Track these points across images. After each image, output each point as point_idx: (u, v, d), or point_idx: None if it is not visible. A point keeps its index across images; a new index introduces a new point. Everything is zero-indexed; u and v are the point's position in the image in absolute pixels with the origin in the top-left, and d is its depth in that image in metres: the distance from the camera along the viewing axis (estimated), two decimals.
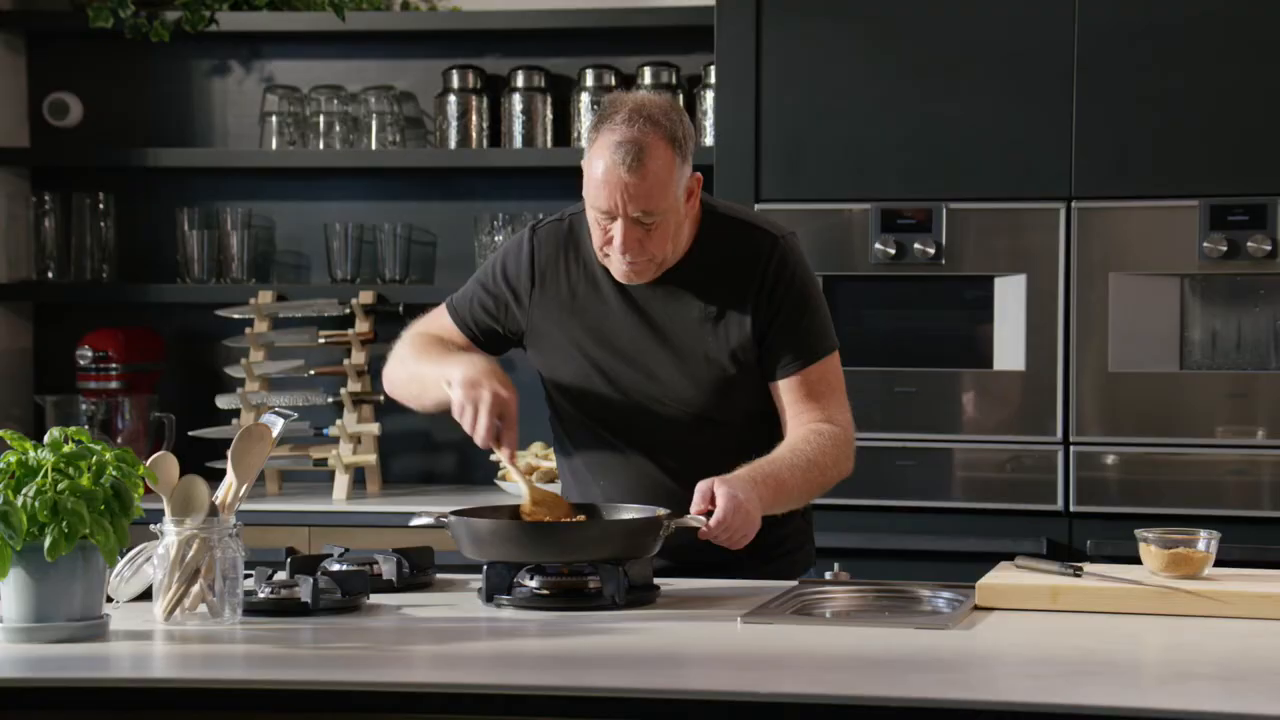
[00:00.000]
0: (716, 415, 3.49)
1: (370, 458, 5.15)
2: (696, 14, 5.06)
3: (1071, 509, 4.55)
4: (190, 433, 5.23)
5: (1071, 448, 4.54)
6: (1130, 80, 4.51)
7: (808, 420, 3.46)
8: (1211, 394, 4.52)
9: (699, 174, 3.46)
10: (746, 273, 3.48)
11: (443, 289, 5.34)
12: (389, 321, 5.35)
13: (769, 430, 3.51)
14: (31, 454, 2.86)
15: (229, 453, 3.09)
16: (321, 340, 5.28)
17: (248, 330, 5.28)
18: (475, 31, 5.36)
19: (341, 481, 5.10)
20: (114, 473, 2.88)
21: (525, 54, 5.36)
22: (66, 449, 2.87)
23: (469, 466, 5.43)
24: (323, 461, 5.13)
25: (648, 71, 5.21)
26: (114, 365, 5.33)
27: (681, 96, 5.19)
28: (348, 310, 5.28)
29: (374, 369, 5.32)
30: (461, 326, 3.63)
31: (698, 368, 3.48)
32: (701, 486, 3.27)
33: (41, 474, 2.82)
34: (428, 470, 5.46)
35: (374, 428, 5.17)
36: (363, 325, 5.25)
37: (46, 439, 2.88)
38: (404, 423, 5.40)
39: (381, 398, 5.24)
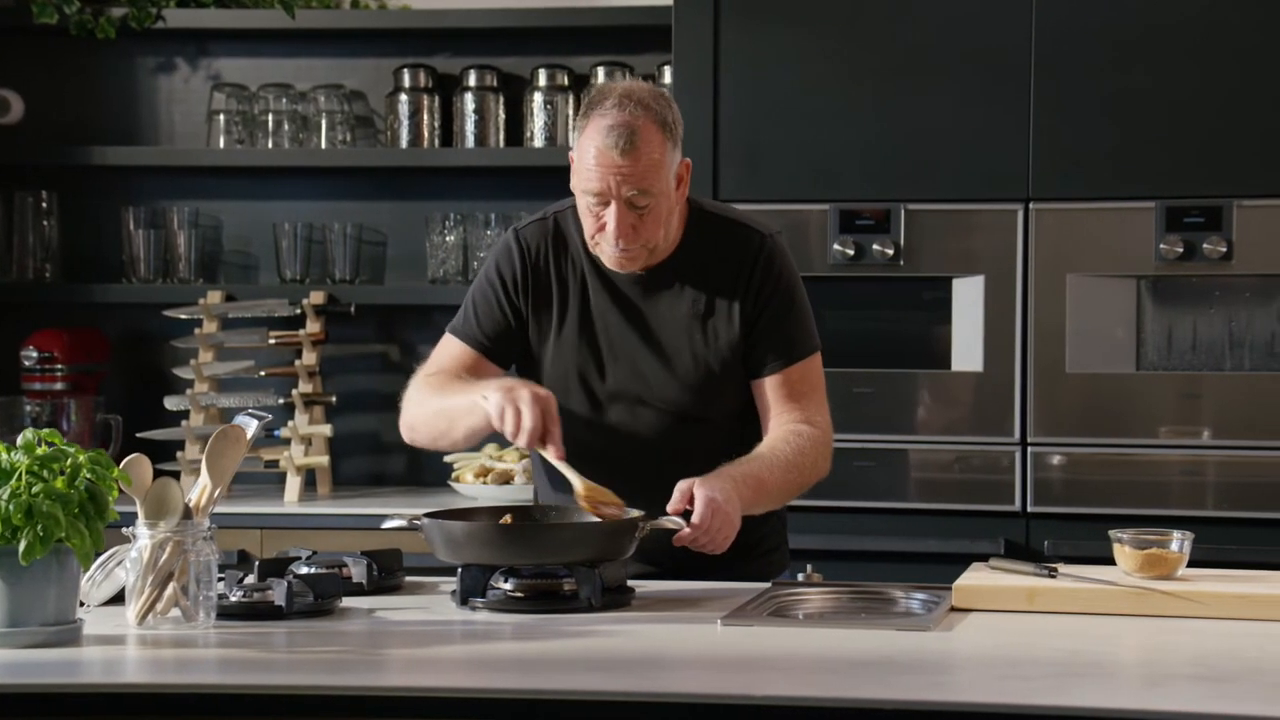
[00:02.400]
0: (700, 413, 3.47)
1: (322, 459, 5.11)
2: (651, 14, 5.05)
3: (1029, 509, 4.56)
4: (138, 434, 5.16)
5: (1029, 448, 4.55)
6: (1087, 82, 4.53)
7: (787, 420, 3.46)
8: (1167, 395, 4.54)
9: (688, 160, 3.46)
10: (734, 270, 3.48)
11: (393, 289, 5.34)
12: (340, 322, 5.31)
13: (751, 429, 3.51)
14: (5, 456, 2.81)
15: (203, 455, 3.05)
16: (272, 341, 5.23)
17: (197, 331, 5.23)
18: (426, 30, 5.33)
19: (293, 483, 5.05)
20: (88, 475, 2.83)
21: (477, 53, 5.33)
22: (40, 451, 2.82)
23: (419, 468, 5.39)
24: (274, 463, 5.08)
25: (601, 71, 5.19)
26: (59, 366, 5.27)
27: None
28: (298, 311, 5.24)
29: (325, 370, 5.29)
30: (470, 342, 3.57)
31: (684, 365, 3.47)
32: (681, 485, 3.25)
33: (15, 476, 2.78)
34: (377, 472, 5.42)
35: (325, 429, 5.13)
36: (314, 326, 5.21)
37: (20, 441, 2.83)
38: (353, 424, 5.36)
39: (333, 398, 5.20)
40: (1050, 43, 4.54)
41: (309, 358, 5.20)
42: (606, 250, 3.42)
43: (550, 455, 3.30)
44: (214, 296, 5.25)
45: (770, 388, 3.49)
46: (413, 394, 3.58)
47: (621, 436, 3.49)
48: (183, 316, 5.26)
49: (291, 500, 5.03)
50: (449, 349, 3.61)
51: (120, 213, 5.41)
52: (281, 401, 5.18)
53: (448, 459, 5.07)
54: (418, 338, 5.39)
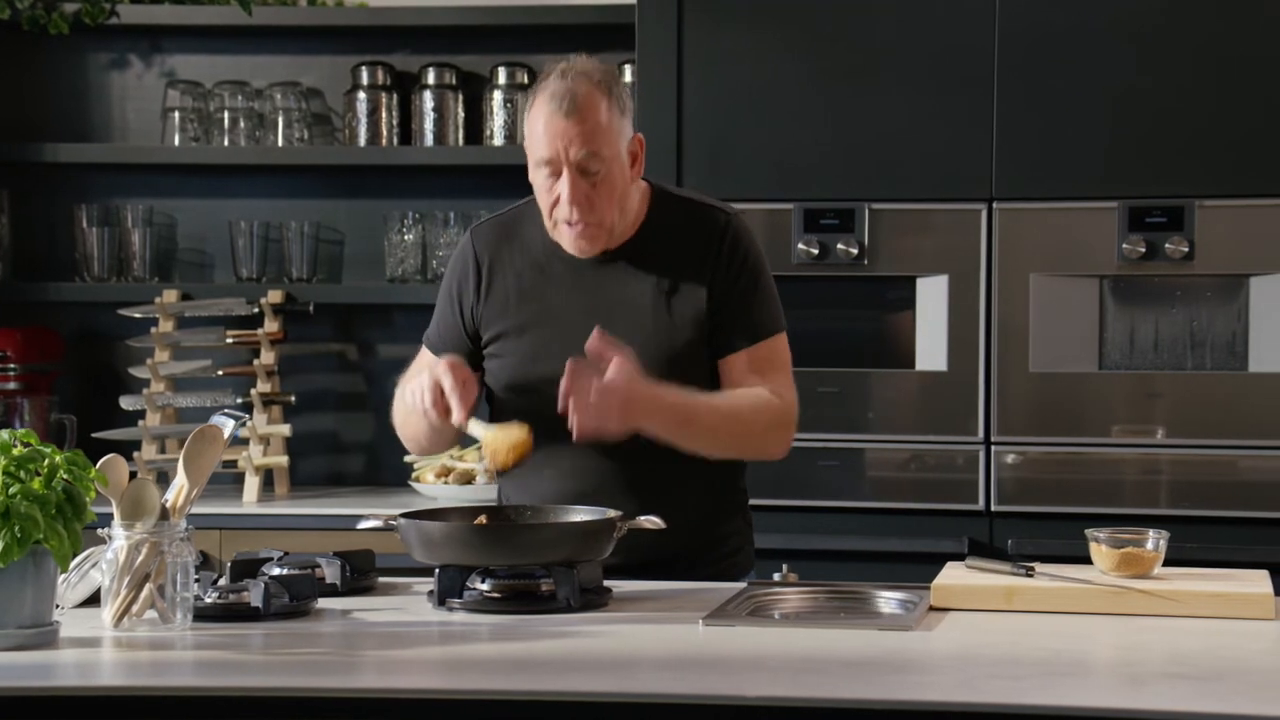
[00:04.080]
0: None
1: (281, 459, 5.07)
2: (612, 12, 5.03)
3: (992, 508, 4.57)
4: (93, 434, 5.11)
5: (992, 447, 4.56)
6: (1050, 83, 4.54)
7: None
8: (1129, 394, 4.56)
9: (640, 136, 3.48)
10: (701, 247, 3.48)
11: (352, 288, 5.30)
12: (298, 321, 5.27)
13: None
14: None
15: (180, 455, 3.01)
16: (230, 340, 5.18)
17: (153, 330, 5.18)
18: (384, 28, 5.29)
19: (252, 484, 5.01)
20: (65, 476, 2.80)
21: (436, 51, 5.30)
22: (17, 452, 2.78)
23: (377, 468, 5.36)
24: (231, 463, 5.04)
25: None
26: (12, 365, 5.21)
27: None
28: (256, 310, 5.19)
29: (282, 369, 5.24)
30: (439, 353, 3.57)
31: (651, 344, 3.44)
32: (604, 347, 3.28)
33: None
34: (335, 472, 5.39)
35: (284, 429, 5.08)
36: (272, 325, 5.16)
37: None
38: (310, 424, 5.33)
39: (292, 398, 5.16)
40: (1014, 43, 4.55)
41: (267, 357, 5.16)
42: (564, 231, 3.42)
43: (455, 420, 3.32)
44: (170, 295, 5.21)
45: (736, 365, 3.48)
46: (395, 409, 3.61)
47: None
48: (137, 315, 5.21)
49: (250, 501, 4.99)
50: (423, 360, 3.63)
51: (73, 210, 5.35)
52: (240, 401, 5.13)
53: (408, 459, 5.04)
54: (376, 337, 5.36)
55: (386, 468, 5.31)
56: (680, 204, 3.56)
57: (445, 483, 4.93)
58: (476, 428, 3.35)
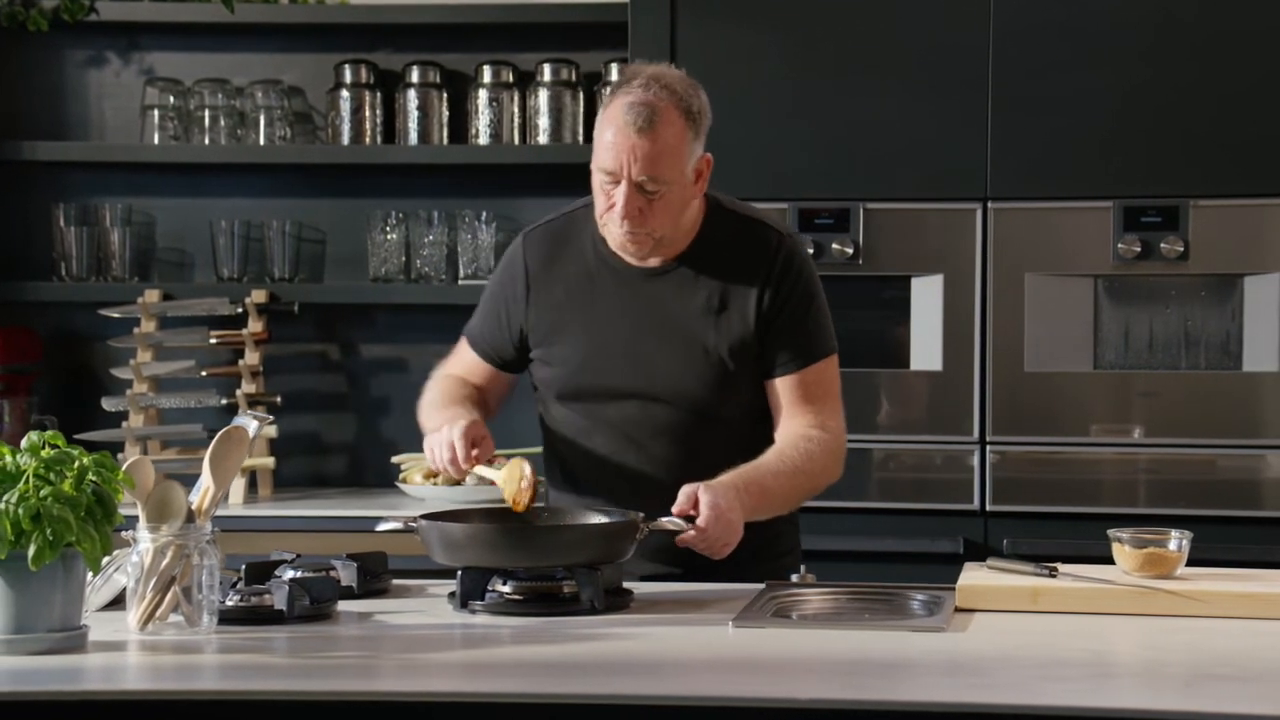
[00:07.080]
0: (714, 411, 3.43)
1: (267, 460, 5.02)
2: (599, 10, 5.01)
3: (987, 508, 4.56)
4: (75, 436, 5.03)
5: (987, 447, 4.56)
6: (1045, 82, 4.54)
7: (800, 424, 3.43)
8: (1124, 394, 4.57)
9: (709, 155, 3.43)
10: (753, 266, 3.45)
11: (335, 288, 5.26)
12: (279, 321, 5.22)
13: (765, 429, 3.47)
14: (9, 459, 2.72)
15: (206, 456, 2.98)
16: (213, 340, 5.13)
17: (135, 330, 5.11)
18: (367, 25, 5.24)
19: (238, 485, 4.95)
20: (94, 478, 2.75)
21: (420, 49, 5.26)
22: (45, 453, 2.74)
23: (361, 469, 5.31)
24: None
25: (547, 68, 5.14)
26: None
27: (581, 94, 5.13)
28: (240, 310, 5.14)
29: (268, 369, 5.20)
30: (481, 354, 3.59)
31: (698, 360, 3.42)
32: (686, 489, 3.22)
33: (23, 480, 2.69)
34: (318, 473, 5.33)
35: (271, 430, 5.03)
36: (256, 325, 5.11)
37: (24, 443, 2.75)
38: (293, 425, 5.27)
39: (278, 399, 5.11)
40: (1008, 42, 4.55)
41: (252, 357, 5.10)
42: (612, 231, 3.39)
43: (478, 471, 3.33)
44: (152, 295, 5.15)
45: (784, 388, 3.45)
46: (424, 398, 3.58)
47: (635, 435, 3.45)
48: (117, 315, 5.15)
49: (236, 503, 4.93)
50: (462, 353, 3.63)
51: (50, 209, 5.29)
52: (225, 402, 5.08)
53: (395, 459, 5.01)
54: (359, 337, 5.31)
55: (369, 469, 5.27)
56: (736, 220, 3.52)
57: (434, 483, 4.89)
58: (487, 472, 3.32)
